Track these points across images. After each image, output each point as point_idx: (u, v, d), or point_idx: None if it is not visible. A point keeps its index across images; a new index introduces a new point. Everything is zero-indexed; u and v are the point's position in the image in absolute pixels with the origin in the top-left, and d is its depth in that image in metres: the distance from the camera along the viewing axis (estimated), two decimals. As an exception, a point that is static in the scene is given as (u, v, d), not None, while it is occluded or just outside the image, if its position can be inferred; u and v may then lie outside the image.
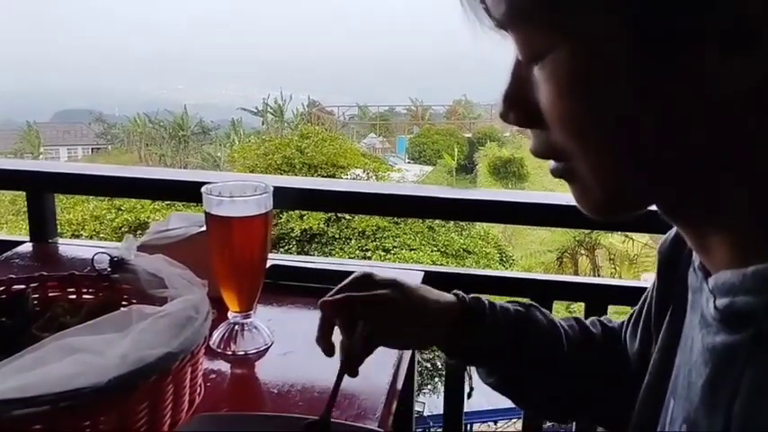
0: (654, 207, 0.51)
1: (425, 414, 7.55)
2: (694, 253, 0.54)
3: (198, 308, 0.86)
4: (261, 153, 10.47)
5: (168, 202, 7.51)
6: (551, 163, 0.52)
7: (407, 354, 1.18)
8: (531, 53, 0.48)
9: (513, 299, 0.91)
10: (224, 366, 1.04)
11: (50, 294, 1.01)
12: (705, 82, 0.42)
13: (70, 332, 0.80)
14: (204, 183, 1.15)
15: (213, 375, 1.00)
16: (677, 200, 0.50)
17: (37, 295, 0.99)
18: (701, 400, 0.47)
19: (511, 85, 0.51)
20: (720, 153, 0.45)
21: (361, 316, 0.82)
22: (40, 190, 1.50)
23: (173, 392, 0.83)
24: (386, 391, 0.98)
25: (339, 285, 0.85)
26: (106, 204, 8.30)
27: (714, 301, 0.47)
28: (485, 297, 0.86)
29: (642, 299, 0.76)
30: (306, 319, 1.19)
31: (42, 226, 1.50)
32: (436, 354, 8.15)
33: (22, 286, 1.00)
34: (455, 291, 0.86)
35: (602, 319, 0.89)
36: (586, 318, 0.85)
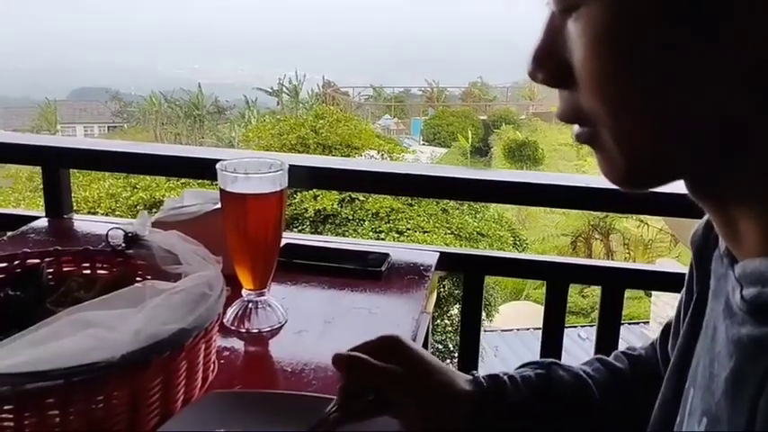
0: (677, 189, 0.49)
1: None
2: (720, 238, 0.52)
3: (212, 284, 0.85)
4: (276, 133, 10.45)
5: (183, 181, 7.54)
6: (576, 128, 0.50)
7: (421, 335, 1.18)
8: (566, 2, 0.46)
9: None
10: (237, 344, 1.04)
11: (65, 269, 1.01)
12: (738, 46, 0.40)
13: (84, 306, 0.80)
14: (219, 160, 1.14)
15: (227, 353, 1.00)
16: (705, 176, 0.48)
17: (51, 270, 0.99)
18: (724, 394, 0.45)
19: (543, 41, 0.49)
20: (754, 128, 0.43)
21: (369, 385, 0.76)
22: (55, 165, 1.50)
23: (186, 369, 0.82)
24: (399, 372, 0.97)
25: (364, 343, 0.79)
26: (122, 182, 8.33)
27: (741, 291, 0.45)
28: (501, 371, 0.79)
29: (677, 303, 0.72)
30: (319, 299, 1.18)
31: (57, 201, 1.50)
32: (448, 335, 8.16)
33: (37, 261, 0.99)
34: (472, 372, 0.79)
35: (625, 350, 0.85)
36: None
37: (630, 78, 0.44)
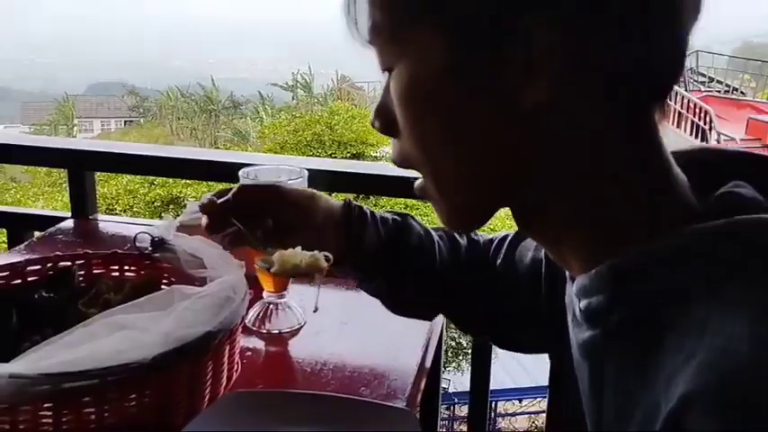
0: None
1: (450, 391, 7.62)
2: None
3: (236, 288, 0.90)
4: (291, 130, 10.52)
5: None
6: (417, 182, 0.57)
7: (436, 334, 1.21)
8: (383, 65, 0.53)
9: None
10: (259, 344, 1.08)
11: (95, 271, 1.05)
12: (514, 96, 0.45)
13: (117, 310, 0.84)
14: (239, 163, 1.19)
15: (249, 352, 1.04)
16: (518, 212, 0.53)
17: (82, 272, 1.04)
18: (587, 393, 0.51)
19: (381, 96, 0.56)
20: (545, 168, 0.48)
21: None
22: (80, 168, 1.55)
23: (212, 369, 0.87)
24: (415, 371, 1.01)
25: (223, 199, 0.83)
26: (139, 179, 8.44)
27: (579, 303, 0.50)
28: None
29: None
30: (336, 300, 1.22)
31: (83, 203, 1.55)
32: (461, 332, 8.17)
33: (69, 263, 1.04)
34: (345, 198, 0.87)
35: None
36: None
37: (430, 130, 0.51)
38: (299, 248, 0.77)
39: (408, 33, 0.48)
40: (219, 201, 0.81)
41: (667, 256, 0.43)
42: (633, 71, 0.45)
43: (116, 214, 7.32)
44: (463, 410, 8.11)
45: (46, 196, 9.79)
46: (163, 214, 7.78)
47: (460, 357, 8.56)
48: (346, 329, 1.13)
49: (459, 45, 0.46)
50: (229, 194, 0.82)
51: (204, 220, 0.82)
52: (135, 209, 8.11)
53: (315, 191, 0.86)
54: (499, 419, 8.84)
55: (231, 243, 0.83)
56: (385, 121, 0.55)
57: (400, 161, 0.56)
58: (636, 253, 0.45)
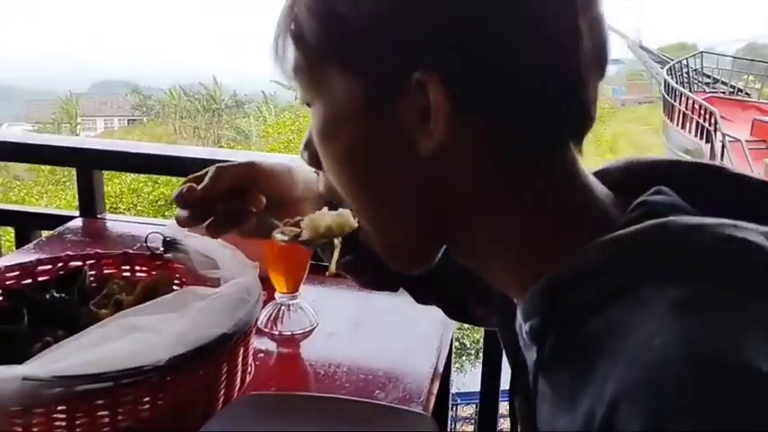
0: None
1: (453, 392, 7.62)
2: None
3: (250, 290, 0.88)
4: (295, 129, 10.52)
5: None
6: None
7: (448, 336, 1.20)
8: (304, 100, 0.55)
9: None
10: (271, 346, 1.07)
11: (105, 271, 1.04)
12: (414, 141, 0.48)
13: (131, 311, 0.83)
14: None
15: (261, 354, 1.03)
16: (454, 249, 0.55)
17: (93, 272, 1.03)
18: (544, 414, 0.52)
19: (308, 130, 0.58)
20: (457, 207, 0.50)
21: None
22: (89, 166, 1.54)
23: (226, 371, 0.86)
24: (430, 374, 1.00)
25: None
26: (143, 178, 8.43)
27: (525, 326, 0.51)
28: None
29: None
30: (349, 301, 1.21)
31: (91, 202, 1.53)
32: (465, 333, 8.18)
33: (80, 263, 1.03)
34: None
35: None
36: None
37: (344, 169, 0.53)
38: (325, 209, 0.69)
39: (323, 74, 0.51)
40: (200, 187, 0.74)
41: (581, 270, 0.46)
42: (522, 125, 0.48)
43: (120, 213, 7.31)
44: (466, 411, 8.10)
45: (50, 194, 9.79)
46: (166, 213, 7.79)
47: (463, 358, 8.55)
48: (359, 331, 1.12)
49: (365, 90, 0.49)
50: (206, 179, 0.74)
51: (184, 213, 0.74)
52: (139, 207, 8.11)
53: (290, 164, 0.81)
54: (501, 420, 8.81)
55: (223, 227, 0.75)
56: (310, 155, 0.57)
57: (326, 195, 0.58)
58: (554, 273, 0.47)
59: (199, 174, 0.77)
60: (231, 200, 0.75)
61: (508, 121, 0.48)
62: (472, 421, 8.52)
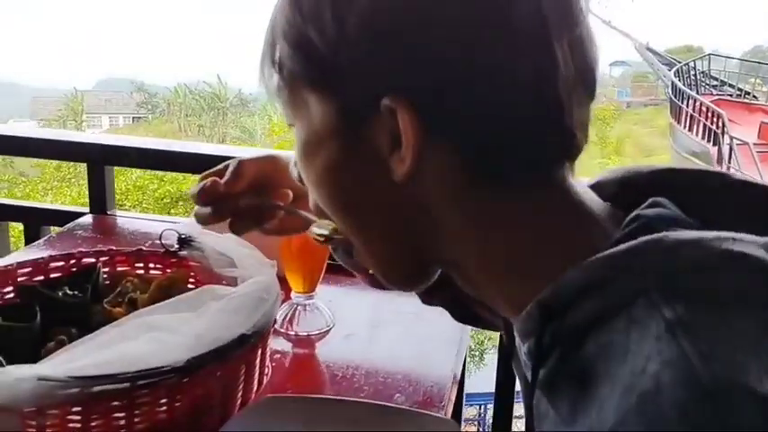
0: None
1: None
2: None
3: (269, 289, 0.86)
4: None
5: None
6: None
7: (465, 339, 1.18)
8: (287, 122, 0.56)
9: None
10: (286, 346, 1.05)
11: (119, 269, 1.02)
12: (386, 166, 0.47)
13: (147, 310, 0.81)
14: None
15: (277, 355, 1.01)
16: (446, 270, 0.54)
17: (106, 269, 1.01)
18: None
19: None
20: (437, 229, 0.49)
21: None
22: (100, 162, 1.52)
23: (244, 372, 0.83)
24: (451, 378, 0.97)
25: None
26: (149, 175, 8.42)
27: (524, 347, 0.49)
28: None
29: None
30: (366, 302, 1.19)
31: (102, 198, 1.51)
32: (469, 334, 8.14)
33: (92, 260, 1.01)
34: None
35: None
36: None
37: (324, 189, 0.53)
38: None
39: (301, 97, 0.51)
40: (222, 181, 0.71)
41: (574, 289, 0.44)
42: (495, 153, 0.46)
43: (125, 210, 7.27)
44: (470, 412, 8.09)
45: (55, 191, 9.78)
46: (172, 210, 7.78)
47: (467, 359, 8.53)
48: (377, 333, 1.10)
49: (338, 113, 0.49)
50: (228, 173, 0.72)
51: (206, 210, 0.71)
52: (144, 205, 8.10)
53: None
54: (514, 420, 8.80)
55: (247, 224, 0.72)
56: (299, 172, 0.56)
57: (315, 211, 0.57)
58: (546, 294, 0.45)
59: (216, 169, 0.75)
60: (253, 195, 0.72)
61: (480, 149, 0.47)
62: (476, 422, 8.52)
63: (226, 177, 0.71)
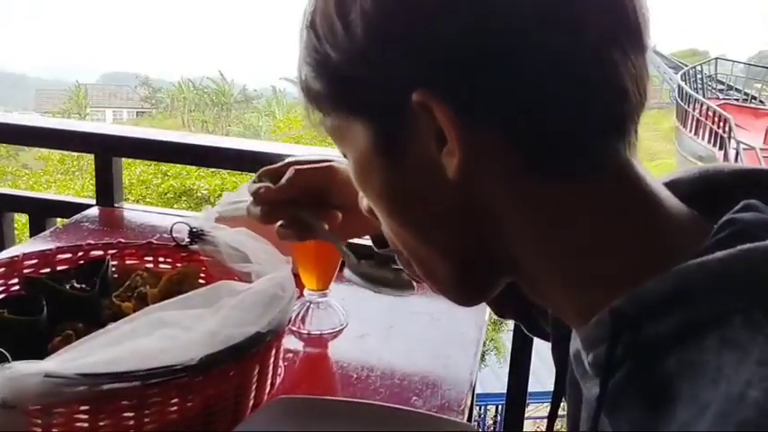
0: None
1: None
2: None
3: (284, 286, 0.83)
4: (307, 124, 10.47)
5: (213, 170, 7.54)
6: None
7: (481, 340, 1.15)
8: (342, 154, 0.54)
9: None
10: (299, 345, 1.02)
11: (128, 262, 0.99)
12: (438, 166, 0.45)
13: (159, 306, 0.77)
14: (270, 153, 1.12)
15: (290, 354, 0.98)
16: (511, 278, 0.51)
17: (115, 262, 0.97)
18: None
19: None
20: (502, 231, 0.46)
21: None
22: (108, 153, 1.49)
23: (258, 372, 0.80)
24: (469, 381, 0.94)
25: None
26: (152, 169, 8.38)
27: (588, 357, 0.45)
28: None
29: None
30: (380, 301, 1.15)
31: (109, 190, 1.48)
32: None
33: (101, 252, 0.98)
34: None
35: None
36: None
37: (386, 210, 0.51)
38: None
39: (343, 127, 0.50)
40: (275, 187, 0.75)
41: (658, 299, 0.40)
42: (541, 126, 0.43)
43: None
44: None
45: (58, 184, 9.75)
46: (175, 205, 7.75)
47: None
48: (392, 333, 1.06)
49: (376, 128, 0.47)
50: (284, 179, 0.75)
51: (257, 210, 0.76)
52: (148, 199, 8.07)
53: None
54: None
55: (295, 235, 0.77)
56: (368, 203, 0.55)
57: (390, 245, 0.55)
58: (624, 301, 0.41)
59: (274, 166, 0.79)
60: (305, 205, 0.75)
61: (524, 124, 0.43)
62: (476, 422, 8.50)
63: (280, 183, 0.75)
